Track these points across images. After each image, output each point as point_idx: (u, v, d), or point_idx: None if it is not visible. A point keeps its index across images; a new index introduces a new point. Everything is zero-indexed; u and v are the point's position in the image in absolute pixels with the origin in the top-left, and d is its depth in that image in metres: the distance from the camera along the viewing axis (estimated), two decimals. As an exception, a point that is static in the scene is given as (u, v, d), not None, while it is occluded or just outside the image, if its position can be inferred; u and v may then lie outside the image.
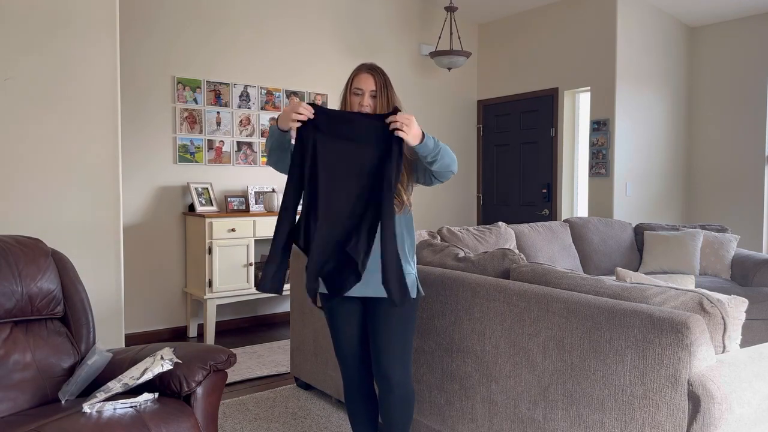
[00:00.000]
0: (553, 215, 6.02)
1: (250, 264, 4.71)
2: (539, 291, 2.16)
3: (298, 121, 2.00)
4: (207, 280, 4.53)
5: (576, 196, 6.03)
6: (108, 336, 2.94)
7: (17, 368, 2.13)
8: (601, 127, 5.54)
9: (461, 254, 2.74)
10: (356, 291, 2.10)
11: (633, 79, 5.58)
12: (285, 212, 2.04)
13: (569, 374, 2.02)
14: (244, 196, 4.99)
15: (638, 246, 4.88)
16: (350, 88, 2.17)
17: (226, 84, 5.02)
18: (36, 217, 2.81)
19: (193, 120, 4.86)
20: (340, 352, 2.31)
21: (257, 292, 4.77)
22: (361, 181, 2.01)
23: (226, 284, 4.62)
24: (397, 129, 1.97)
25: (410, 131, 1.97)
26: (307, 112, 2.00)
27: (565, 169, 5.94)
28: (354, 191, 2.01)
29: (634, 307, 1.87)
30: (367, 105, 2.13)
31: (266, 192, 5.04)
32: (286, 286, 4.84)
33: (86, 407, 1.95)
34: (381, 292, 2.06)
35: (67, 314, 2.33)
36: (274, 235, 2.05)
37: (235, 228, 4.63)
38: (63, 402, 2.11)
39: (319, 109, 2.03)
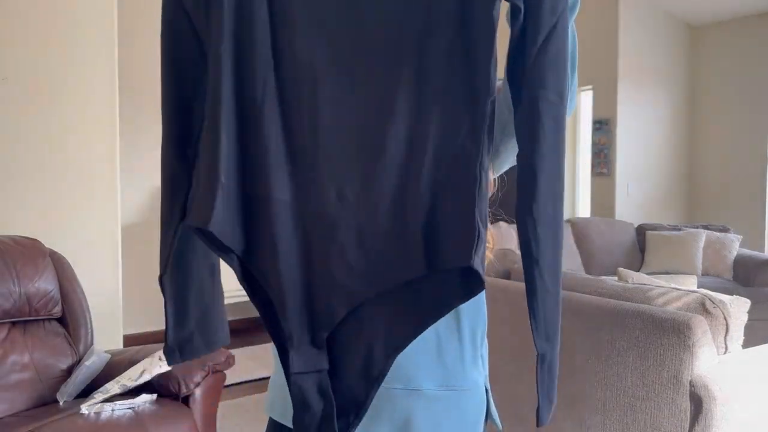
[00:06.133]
0: (554, 215, 6.00)
1: (251, 264, 4.69)
2: (540, 291, 2.15)
3: None
4: (207, 281, 4.52)
5: (578, 195, 6.02)
6: (106, 337, 2.93)
7: (15, 369, 2.12)
8: (603, 126, 5.52)
9: (462, 254, 2.72)
10: None
11: (635, 79, 5.56)
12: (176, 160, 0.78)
13: (571, 375, 2.00)
14: (245, 196, 4.97)
15: (640, 246, 4.87)
16: None
17: (227, 84, 5.01)
18: (34, 217, 2.80)
19: (193, 120, 4.85)
20: None
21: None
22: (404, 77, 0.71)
23: (225, 285, 4.50)
24: None
25: None
26: None
27: (566, 168, 5.91)
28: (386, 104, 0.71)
29: (636, 308, 1.85)
30: None
31: (266, 192, 5.03)
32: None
33: (84, 408, 1.95)
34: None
35: (65, 315, 2.33)
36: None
37: (235, 228, 4.62)
38: (61, 403, 2.10)
39: None
